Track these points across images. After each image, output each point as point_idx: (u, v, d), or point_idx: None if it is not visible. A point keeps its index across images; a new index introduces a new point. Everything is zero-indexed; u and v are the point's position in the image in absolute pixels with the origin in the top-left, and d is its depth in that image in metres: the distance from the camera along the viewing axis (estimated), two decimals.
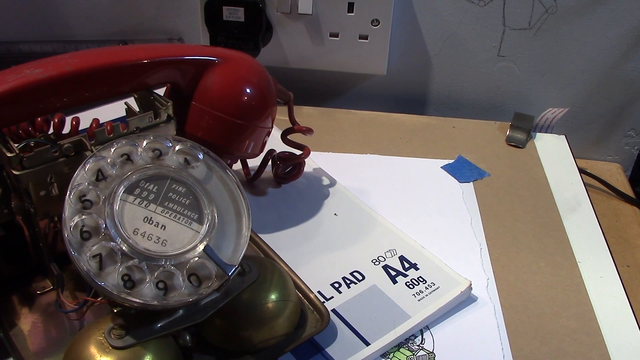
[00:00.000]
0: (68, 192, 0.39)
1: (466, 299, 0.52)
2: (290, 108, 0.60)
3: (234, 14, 0.72)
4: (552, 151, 0.72)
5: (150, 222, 0.39)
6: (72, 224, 0.38)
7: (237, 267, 0.40)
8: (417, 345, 0.48)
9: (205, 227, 0.40)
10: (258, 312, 0.43)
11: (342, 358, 0.45)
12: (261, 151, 0.57)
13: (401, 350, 0.48)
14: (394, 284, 0.52)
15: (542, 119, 0.74)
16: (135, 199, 0.40)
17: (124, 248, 0.38)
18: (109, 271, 0.38)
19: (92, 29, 0.78)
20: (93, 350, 0.38)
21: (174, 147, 0.43)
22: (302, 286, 0.48)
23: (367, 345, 0.46)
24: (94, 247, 0.38)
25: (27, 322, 0.45)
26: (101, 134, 0.44)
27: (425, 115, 0.79)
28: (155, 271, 0.38)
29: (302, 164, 0.63)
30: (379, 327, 0.48)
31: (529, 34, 0.74)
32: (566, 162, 0.71)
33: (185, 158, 0.43)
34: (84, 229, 0.38)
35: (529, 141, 0.73)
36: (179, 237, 0.40)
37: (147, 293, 0.38)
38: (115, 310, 0.40)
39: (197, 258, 0.39)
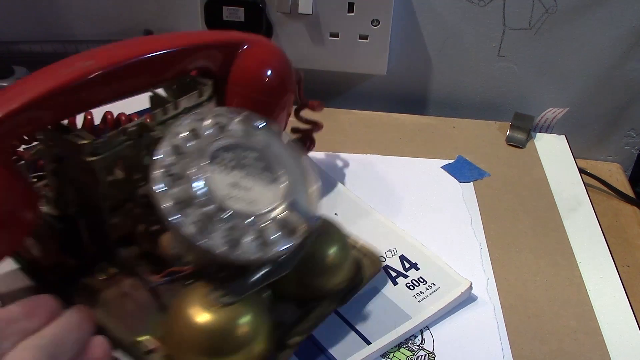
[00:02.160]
0: (153, 170, 0.41)
1: (466, 299, 0.52)
2: (299, 87, 0.61)
3: (234, 14, 0.72)
4: (552, 151, 0.72)
5: (237, 187, 0.42)
6: (166, 196, 0.40)
7: (319, 216, 0.44)
8: (417, 345, 0.48)
9: (283, 186, 0.44)
10: (326, 260, 0.47)
11: (343, 357, 0.45)
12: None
13: (401, 350, 0.48)
14: (395, 285, 0.52)
15: (542, 119, 0.74)
16: (218, 167, 0.43)
17: (219, 212, 0.40)
18: (208, 233, 0.40)
19: (92, 29, 0.78)
20: (198, 308, 0.40)
21: (235, 119, 0.46)
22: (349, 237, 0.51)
23: (368, 344, 0.46)
24: (192, 215, 0.40)
25: (103, 306, 0.45)
26: (159, 116, 0.48)
27: (425, 115, 0.79)
28: (251, 228, 0.41)
29: (313, 140, 0.63)
30: (379, 327, 0.48)
31: (529, 34, 0.74)
32: (566, 162, 0.71)
33: (247, 128, 0.45)
34: (178, 200, 0.40)
35: (529, 141, 0.73)
36: (265, 196, 0.43)
37: (248, 249, 0.40)
38: (188, 283, 0.42)
39: (284, 212, 0.42)
